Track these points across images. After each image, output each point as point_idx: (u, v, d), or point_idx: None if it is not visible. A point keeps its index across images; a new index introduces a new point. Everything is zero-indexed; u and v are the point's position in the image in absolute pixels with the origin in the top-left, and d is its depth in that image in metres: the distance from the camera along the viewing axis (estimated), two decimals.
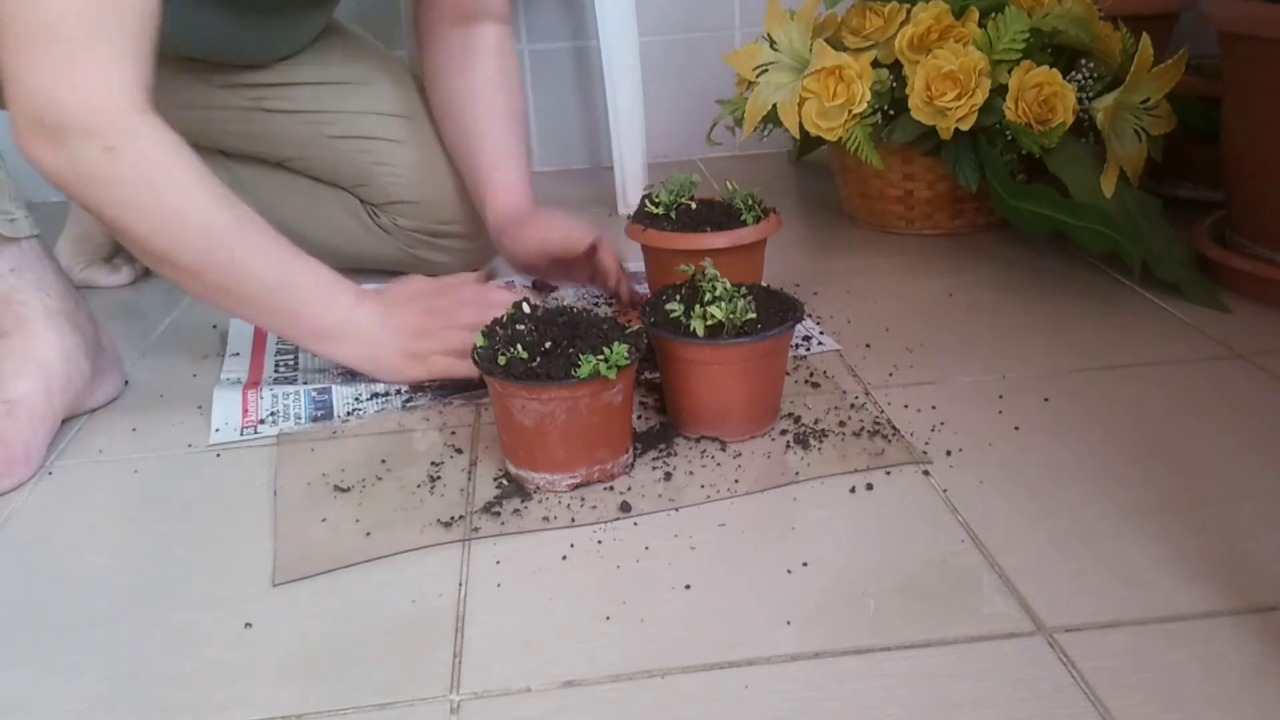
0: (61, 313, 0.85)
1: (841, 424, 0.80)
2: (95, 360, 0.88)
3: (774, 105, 1.19)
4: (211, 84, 1.10)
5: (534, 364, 0.69)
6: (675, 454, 0.77)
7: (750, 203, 0.93)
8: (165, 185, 0.78)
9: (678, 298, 0.77)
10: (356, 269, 1.18)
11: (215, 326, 1.07)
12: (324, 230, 1.15)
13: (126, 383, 0.94)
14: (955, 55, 1.08)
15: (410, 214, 1.13)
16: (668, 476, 0.74)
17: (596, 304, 1.06)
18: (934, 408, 0.82)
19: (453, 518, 0.71)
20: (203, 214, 0.80)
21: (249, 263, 0.82)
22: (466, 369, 0.85)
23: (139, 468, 0.81)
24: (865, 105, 1.13)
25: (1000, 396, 0.84)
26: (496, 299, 0.88)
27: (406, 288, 0.92)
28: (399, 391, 0.88)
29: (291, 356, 0.97)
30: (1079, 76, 1.12)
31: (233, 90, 1.10)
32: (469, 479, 0.76)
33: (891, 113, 1.16)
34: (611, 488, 0.73)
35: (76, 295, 0.88)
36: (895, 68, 1.15)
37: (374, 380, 0.89)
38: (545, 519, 0.70)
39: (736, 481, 0.73)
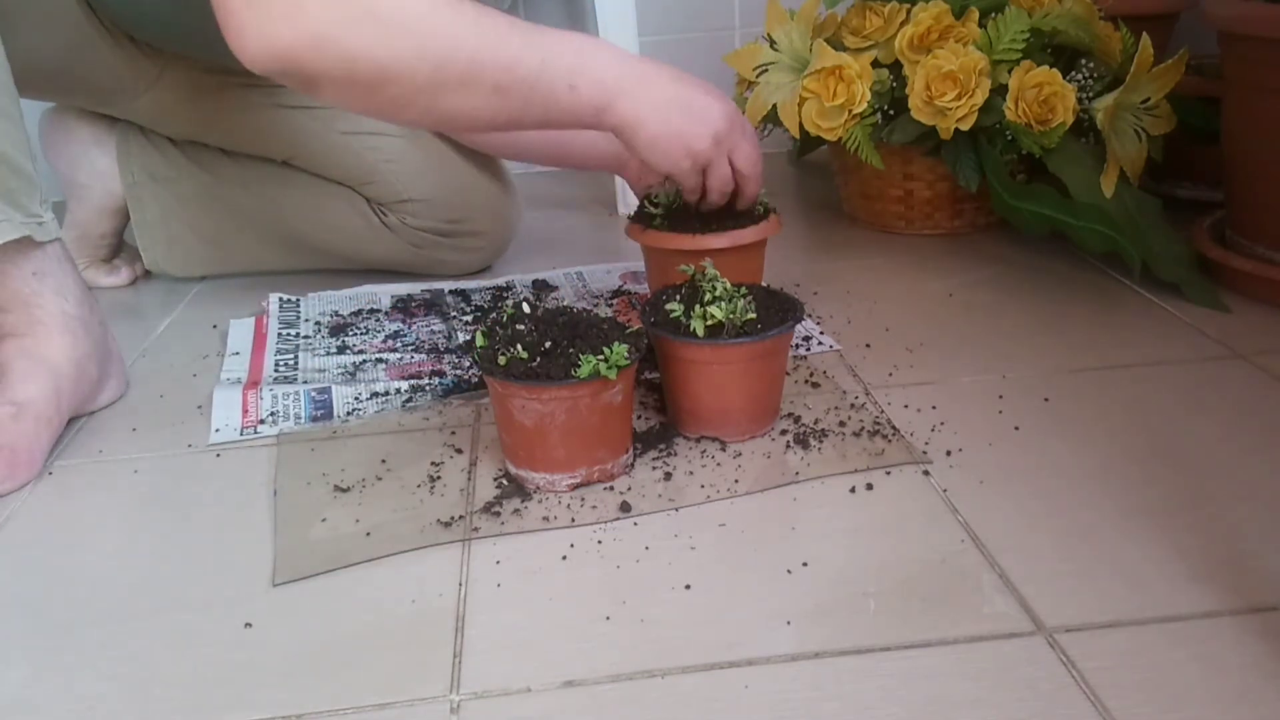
0: (77, 318, 0.85)
1: (841, 424, 0.80)
2: (103, 365, 0.88)
3: (774, 105, 1.19)
4: (228, 82, 1.10)
5: (534, 364, 0.69)
6: (675, 454, 0.77)
7: (760, 200, 0.93)
8: (399, 3, 0.72)
9: (678, 298, 0.77)
10: (361, 270, 1.19)
11: (215, 326, 1.07)
12: (330, 230, 1.15)
13: (128, 384, 0.94)
14: (955, 55, 1.08)
15: (420, 212, 1.13)
16: (668, 476, 0.74)
17: (596, 304, 1.06)
18: (934, 408, 0.82)
19: (453, 518, 0.71)
20: (445, 14, 0.73)
21: (510, 43, 0.75)
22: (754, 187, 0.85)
23: (139, 468, 0.81)
24: (865, 105, 1.13)
25: (1000, 396, 0.84)
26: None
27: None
28: (399, 391, 0.89)
29: (291, 356, 0.98)
30: (1079, 76, 1.12)
31: (246, 89, 1.10)
32: (469, 479, 0.76)
33: (891, 113, 1.16)
34: (611, 488, 0.73)
35: (91, 300, 0.88)
36: (895, 68, 1.15)
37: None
38: (545, 519, 0.70)
39: (736, 481, 0.73)
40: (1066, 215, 1.04)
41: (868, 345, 0.94)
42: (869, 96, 1.13)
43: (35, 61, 0.97)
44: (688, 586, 0.63)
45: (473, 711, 0.54)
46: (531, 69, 0.75)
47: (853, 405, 0.83)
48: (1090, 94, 1.12)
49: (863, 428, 0.79)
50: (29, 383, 0.81)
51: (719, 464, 0.76)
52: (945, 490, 0.71)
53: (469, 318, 1.05)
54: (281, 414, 0.86)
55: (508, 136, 1.10)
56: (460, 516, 0.71)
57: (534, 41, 0.76)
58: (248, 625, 0.61)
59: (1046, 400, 0.82)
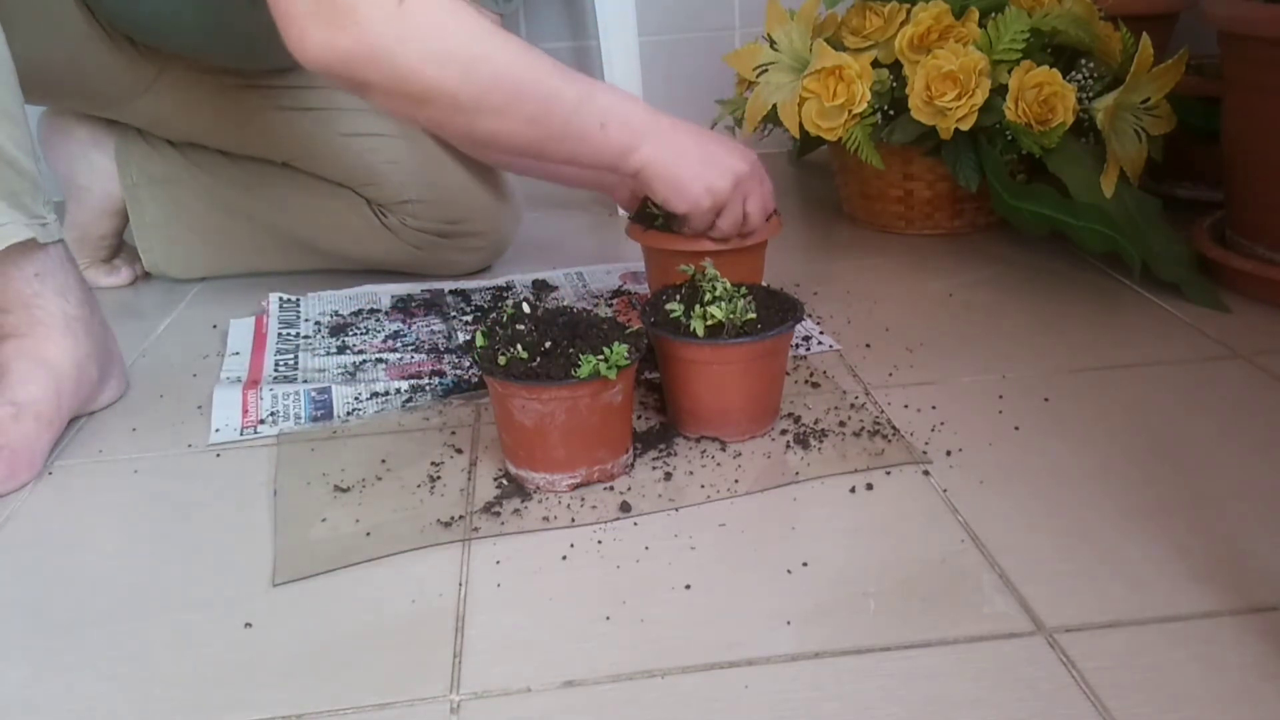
0: (78, 319, 0.85)
1: (841, 424, 0.80)
2: (104, 366, 0.88)
3: (774, 105, 1.19)
4: (226, 84, 1.10)
5: (534, 364, 0.69)
6: (675, 454, 0.77)
7: None
8: (456, 25, 0.77)
9: (678, 298, 0.77)
10: (362, 270, 1.19)
11: (215, 326, 1.07)
12: (330, 231, 1.15)
13: (128, 385, 0.94)
14: (955, 55, 1.08)
15: (421, 212, 1.13)
16: (668, 476, 0.74)
17: (596, 304, 1.06)
18: (934, 408, 0.82)
19: (453, 518, 0.71)
20: (494, 44, 0.78)
21: (550, 80, 0.80)
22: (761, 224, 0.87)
23: (139, 468, 0.81)
24: (865, 105, 1.13)
25: (1000, 396, 0.84)
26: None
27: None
28: (399, 391, 0.89)
29: (291, 356, 0.98)
30: (1079, 76, 1.12)
31: (246, 90, 1.10)
32: (469, 479, 0.76)
33: (891, 113, 1.16)
34: (611, 488, 0.73)
35: (93, 301, 0.88)
36: (895, 68, 1.15)
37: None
38: (545, 519, 0.70)
39: (736, 481, 0.73)
40: (1066, 215, 1.04)
41: (868, 345, 0.94)
42: (869, 96, 1.13)
43: (34, 63, 0.97)
44: (688, 586, 0.63)
45: (473, 711, 0.54)
46: (567, 105, 0.80)
47: (853, 405, 0.83)
48: (1090, 94, 1.12)
49: (863, 428, 0.79)
50: (29, 383, 0.82)
51: (719, 464, 0.76)
52: (945, 490, 0.71)
53: (469, 318, 1.05)
54: (281, 414, 0.86)
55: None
56: (460, 516, 0.71)
57: (572, 81, 0.81)
58: (248, 625, 0.61)
59: (1046, 400, 0.82)
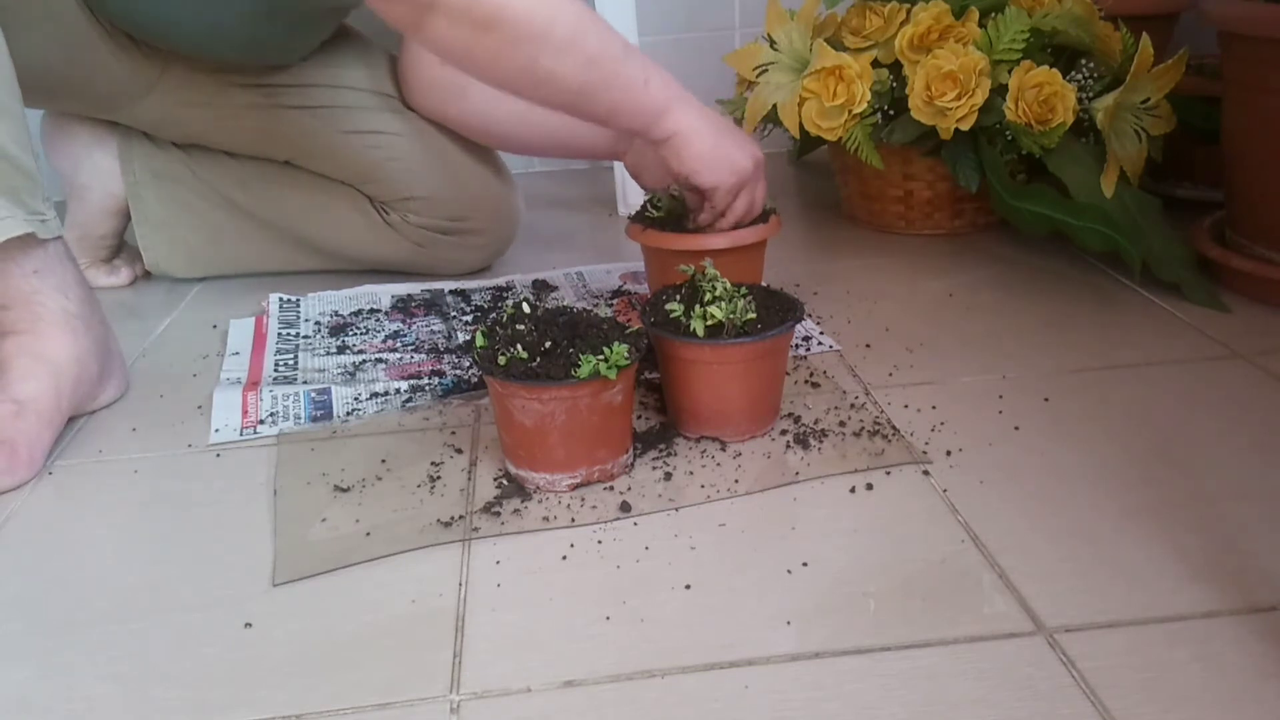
0: (78, 316, 0.85)
1: (841, 424, 0.80)
2: (104, 364, 0.88)
3: (774, 105, 1.19)
4: (228, 83, 1.10)
5: (534, 364, 0.69)
6: (675, 454, 0.77)
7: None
8: None
9: (678, 298, 0.77)
10: (363, 271, 1.19)
11: (215, 326, 1.07)
12: (333, 229, 1.15)
13: (129, 384, 0.94)
14: (955, 55, 1.08)
15: (421, 209, 1.13)
16: (668, 476, 0.74)
17: (596, 304, 1.06)
18: (934, 408, 0.82)
19: (453, 518, 0.71)
20: None
21: (604, 27, 0.81)
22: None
23: (139, 468, 0.81)
24: (865, 105, 1.13)
25: (1000, 396, 0.84)
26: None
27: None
28: (398, 391, 0.89)
29: (291, 356, 0.98)
30: (1079, 76, 1.12)
31: (248, 89, 1.10)
32: (469, 479, 0.76)
33: (891, 113, 1.16)
34: (611, 488, 0.73)
35: (93, 299, 0.88)
36: (895, 68, 1.15)
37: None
38: (545, 519, 0.70)
39: (736, 481, 0.73)
40: (1066, 215, 1.04)
41: (868, 345, 0.94)
42: (869, 96, 1.13)
43: (36, 65, 0.97)
44: (688, 586, 0.63)
45: (473, 711, 0.54)
46: (619, 53, 0.80)
47: (853, 405, 0.83)
48: (1090, 94, 1.12)
49: (863, 428, 0.79)
50: (29, 380, 0.82)
51: (719, 464, 0.76)
52: (945, 490, 0.71)
53: (469, 318, 1.05)
54: (281, 414, 0.86)
55: (519, 128, 1.12)
56: (460, 516, 0.71)
57: (619, 34, 0.81)
58: (248, 625, 0.61)
59: (1046, 400, 0.82)
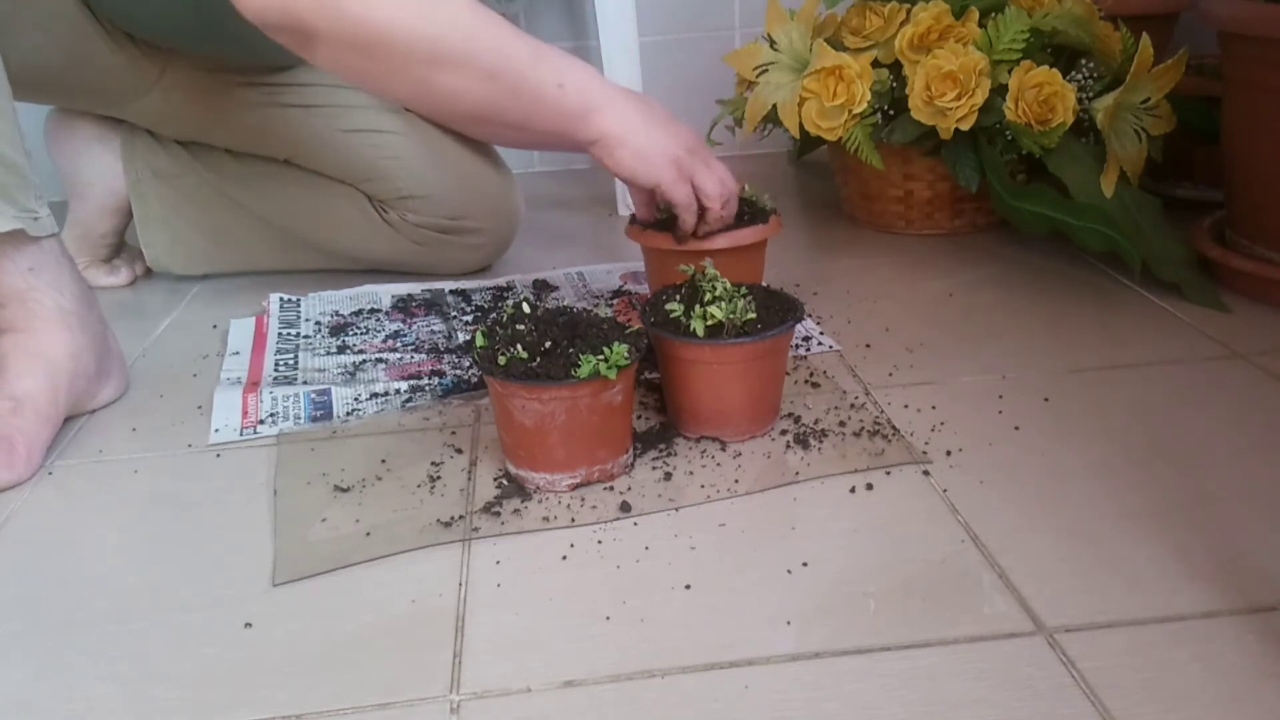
0: (74, 313, 0.85)
1: (841, 424, 0.80)
2: (102, 362, 0.88)
3: (774, 105, 1.19)
4: (228, 82, 1.10)
5: (534, 364, 0.69)
6: (675, 454, 0.77)
7: (763, 203, 0.94)
8: None
9: (678, 298, 0.77)
10: (363, 271, 1.19)
11: (215, 326, 1.07)
12: (332, 227, 1.15)
13: (129, 384, 0.94)
14: (955, 55, 1.08)
15: (420, 208, 1.13)
16: (668, 476, 0.74)
17: (596, 304, 1.06)
18: (934, 408, 0.82)
19: (453, 518, 0.71)
20: None
21: (502, 31, 0.77)
22: (727, 206, 0.85)
23: (139, 468, 0.81)
24: (865, 105, 1.13)
25: (1000, 396, 0.84)
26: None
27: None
28: (398, 392, 0.89)
29: (291, 356, 0.98)
30: (1079, 76, 1.12)
31: (247, 88, 1.10)
32: (469, 479, 0.76)
33: (891, 113, 1.16)
34: (611, 488, 0.73)
35: (90, 296, 0.88)
36: (895, 68, 1.15)
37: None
38: (545, 519, 0.70)
39: (736, 481, 0.73)
40: (1066, 215, 1.04)
41: (868, 345, 0.94)
42: (869, 96, 1.13)
43: (36, 63, 0.97)
44: (688, 586, 0.63)
45: (473, 711, 0.54)
46: (524, 60, 0.77)
47: (853, 405, 0.83)
48: (1090, 94, 1.12)
49: (863, 428, 0.79)
50: (26, 377, 0.82)
51: (719, 464, 0.76)
52: (945, 490, 0.71)
53: (469, 318, 1.05)
54: (281, 414, 0.86)
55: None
56: (460, 516, 0.71)
57: (527, 38, 0.78)
58: (248, 625, 0.61)
59: (1046, 400, 0.82)
